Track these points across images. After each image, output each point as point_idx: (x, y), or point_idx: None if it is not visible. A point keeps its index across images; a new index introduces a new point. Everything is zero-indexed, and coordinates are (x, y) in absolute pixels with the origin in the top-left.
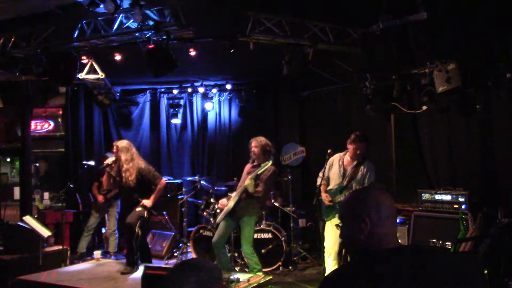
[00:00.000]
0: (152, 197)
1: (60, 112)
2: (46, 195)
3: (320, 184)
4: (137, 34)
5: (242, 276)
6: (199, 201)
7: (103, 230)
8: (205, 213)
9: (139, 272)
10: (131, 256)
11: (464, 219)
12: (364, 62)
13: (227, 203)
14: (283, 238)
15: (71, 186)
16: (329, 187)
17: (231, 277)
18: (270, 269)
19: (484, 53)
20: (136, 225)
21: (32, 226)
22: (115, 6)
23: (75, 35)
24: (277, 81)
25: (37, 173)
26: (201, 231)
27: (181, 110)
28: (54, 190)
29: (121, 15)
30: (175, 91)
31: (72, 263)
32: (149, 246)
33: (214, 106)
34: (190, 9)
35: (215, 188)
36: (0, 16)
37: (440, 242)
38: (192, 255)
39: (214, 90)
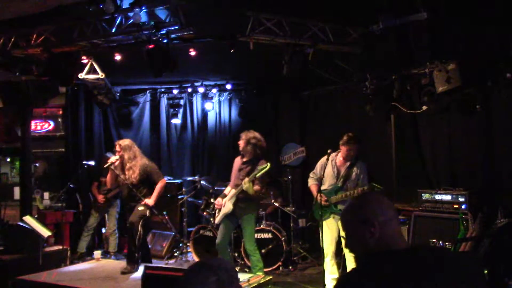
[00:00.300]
0: (154, 196)
1: (60, 112)
2: (46, 195)
3: (317, 186)
4: (137, 34)
5: (242, 276)
6: (199, 201)
7: (103, 230)
8: (205, 213)
9: (139, 272)
10: (132, 255)
11: (464, 219)
12: (364, 62)
13: (223, 202)
14: (283, 238)
15: (71, 186)
16: (323, 188)
17: None
18: (270, 269)
19: (484, 53)
20: (139, 224)
21: (32, 226)
22: (115, 6)
23: (75, 35)
24: (277, 81)
25: (36, 173)
26: (201, 231)
27: (181, 110)
28: (54, 190)
29: (121, 15)
30: (175, 91)
31: (72, 263)
32: (149, 246)
33: (214, 106)
34: (190, 9)
35: (215, 188)
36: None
37: (440, 242)
38: (192, 255)
39: (214, 90)
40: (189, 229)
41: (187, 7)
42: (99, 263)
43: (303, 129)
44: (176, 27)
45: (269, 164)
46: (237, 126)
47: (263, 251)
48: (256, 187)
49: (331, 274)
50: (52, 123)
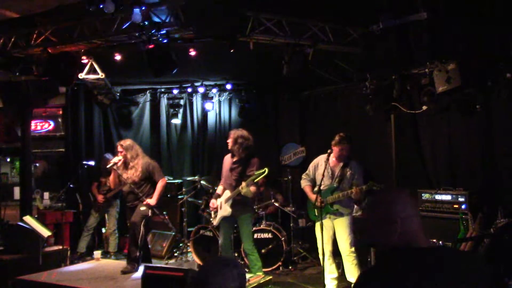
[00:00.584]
0: (155, 196)
1: (60, 112)
2: (46, 195)
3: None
4: (137, 34)
5: None
6: (199, 201)
7: (103, 230)
8: (205, 213)
9: (139, 272)
10: (133, 255)
11: (464, 219)
12: (364, 62)
13: (219, 204)
14: (283, 238)
15: (71, 186)
16: (317, 189)
17: None
18: (270, 269)
19: (484, 53)
20: (141, 224)
21: (32, 226)
22: (115, 6)
23: (75, 35)
24: (277, 81)
25: (36, 173)
26: (201, 231)
27: (181, 110)
28: (54, 190)
29: (121, 15)
30: (175, 91)
31: (72, 263)
32: (149, 246)
33: (214, 106)
34: (190, 9)
35: (215, 188)
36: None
37: (440, 242)
38: (192, 255)
39: (214, 90)
40: (189, 229)
41: (187, 7)
42: (99, 263)
43: (303, 129)
44: (176, 27)
45: (266, 169)
46: (237, 126)
47: (263, 251)
48: (253, 188)
49: (330, 273)
50: (52, 123)
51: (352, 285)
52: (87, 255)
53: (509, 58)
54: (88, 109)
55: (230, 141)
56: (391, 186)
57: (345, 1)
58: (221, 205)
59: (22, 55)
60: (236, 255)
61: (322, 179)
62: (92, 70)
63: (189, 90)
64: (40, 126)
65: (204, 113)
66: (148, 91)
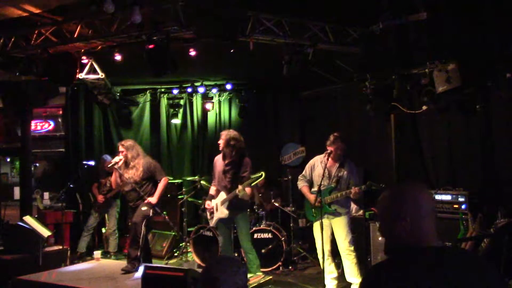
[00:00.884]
0: (156, 194)
1: (60, 112)
2: (46, 195)
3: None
4: (137, 34)
5: None
6: (199, 201)
7: (103, 230)
8: (205, 213)
9: (139, 272)
10: (133, 254)
11: (464, 219)
12: (364, 62)
13: (215, 205)
14: (283, 238)
15: (71, 186)
16: (314, 189)
17: None
18: (270, 269)
19: (484, 53)
20: (142, 224)
21: (32, 226)
22: (115, 6)
23: (75, 35)
24: (277, 81)
25: (36, 173)
26: (201, 231)
27: (181, 110)
28: (54, 190)
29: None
30: (175, 91)
31: (72, 263)
32: (149, 246)
33: (214, 106)
34: (190, 9)
35: None
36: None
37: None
38: (192, 255)
39: (214, 90)
40: (189, 229)
41: (187, 7)
42: (99, 263)
43: (303, 129)
44: (176, 27)
45: (263, 174)
46: (237, 126)
47: (263, 251)
48: (249, 190)
49: (329, 273)
50: (52, 123)
51: (362, 277)
52: (87, 255)
53: (509, 58)
54: (88, 109)
55: (221, 143)
56: (401, 183)
57: (345, 1)
58: (217, 207)
59: (22, 55)
60: (236, 255)
61: (322, 179)
62: (92, 70)
63: (189, 90)
64: (40, 126)
65: (204, 113)
66: (148, 91)
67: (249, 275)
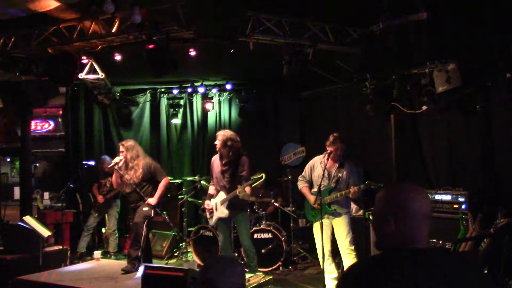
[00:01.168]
0: (157, 195)
1: (60, 112)
2: (46, 195)
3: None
4: (137, 34)
5: None
6: (199, 201)
7: (103, 230)
8: (205, 213)
9: (139, 272)
10: (134, 254)
11: (464, 219)
12: (364, 62)
13: (214, 205)
14: (283, 238)
15: (71, 186)
16: (314, 189)
17: None
18: (270, 269)
19: (484, 53)
20: (143, 224)
21: (32, 226)
22: (115, 6)
23: (75, 35)
24: (277, 81)
25: (36, 173)
26: (201, 231)
27: (181, 110)
28: (54, 190)
29: (121, 15)
30: (175, 91)
31: (72, 263)
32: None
33: (214, 106)
34: (190, 9)
35: None
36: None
37: (440, 242)
38: (192, 255)
39: (214, 90)
40: (189, 229)
41: (187, 7)
42: (99, 263)
43: (303, 129)
44: (176, 27)
45: (263, 175)
46: (237, 126)
47: (263, 251)
48: (248, 189)
49: (330, 273)
50: (52, 123)
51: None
52: (87, 255)
53: (509, 58)
54: (88, 109)
55: (218, 144)
56: (398, 183)
57: (345, 1)
58: (216, 207)
59: (22, 55)
60: (236, 255)
61: (322, 179)
62: (92, 70)
63: (189, 90)
64: (40, 126)
65: (204, 113)
66: (148, 91)
67: (249, 275)
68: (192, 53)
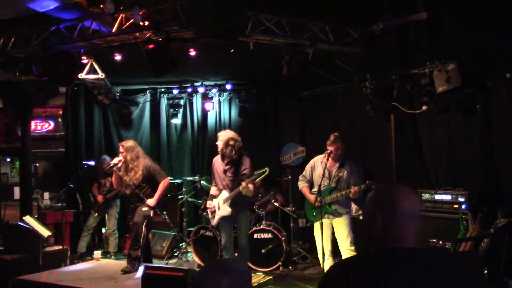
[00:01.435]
0: (156, 196)
1: (60, 112)
2: (46, 195)
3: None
4: (137, 34)
5: None
6: (199, 201)
7: (103, 230)
8: (205, 213)
9: (139, 272)
10: (134, 254)
11: (464, 219)
12: (364, 62)
13: (217, 204)
14: (283, 238)
15: (71, 186)
16: (315, 189)
17: None
18: (270, 269)
19: (484, 53)
20: (143, 224)
21: (32, 226)
22: (115, 6)
23: (75, 35)
24: (277, 81)
25: (37, 173)
26: (201, 231)
27: (181, 110)
28: (54, 190)
29: (121, 15)
30: (175, 91)
31: (72, 263)
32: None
33: (214, 106)
34: (190, 9)
35: None
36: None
37: (440, 242)
38: (192, 255)
39: (214, 90)
40: (189, 229)
41: (187, 7)
42: (99, 263)
43: (303, 129)
44: (176, 27)
45: (267, 169)
46: (237, 126)
47: (263, 251)
48: (251, 187)
49: None
50: (52, 123)
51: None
52: (87, 255)
53: (509, 58)
54: (88, 109)
55: (221, 144)
56: (387, 183)
57: (345, 1)
58: (218, 206)
59: (22, 55)
60: (236, 255)
61: (322, 179)
62: (92, 70)
63: (189, 90)
64: (40, 126)
65: (204, 113)
66: (148, 91)
67: None
68: (192, 53)
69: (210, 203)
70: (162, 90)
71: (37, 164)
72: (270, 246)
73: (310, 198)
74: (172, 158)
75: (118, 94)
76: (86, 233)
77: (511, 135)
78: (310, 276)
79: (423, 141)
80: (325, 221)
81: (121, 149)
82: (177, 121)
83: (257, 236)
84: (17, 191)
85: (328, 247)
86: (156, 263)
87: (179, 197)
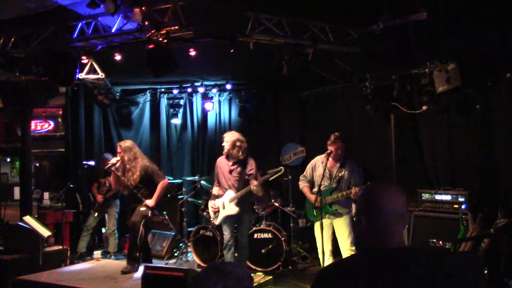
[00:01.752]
0: (154, 197)
1: (60, 112)
2: (46, 195)
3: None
4: (137, 34)
5: None
6: (199, 201)
7: (103, 230)
8: (205, 213)
9: (139, 272)
10: (133, 255)
11: (464, 219)
12: (364, 62)
13: (221, 203)
14: (283, 238)
15: (71, 186)
16: (315, 189)
17: None
18: (270, 269)
19: (484, 53)
20: (141, 224)
21: (32, 226)
22: (115, 6)
23: (75, 35)
24: (277, 81)
25: (37, 173)
26: (201, 231)
27: (181, 110)
28: (54, 190)
29: (121, 15)
30: (175, 91)
31: (72, 263)
32: (149, 246)
33: (214, 106)
34: (190, 9)
35: None
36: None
37: (440, 242)
38: (192, 255)
39: (214, 90)
40: (189, 229)
41: (187, 7)
42: (99, 263)
43: (303, 129)
44: (176, 27)
45: (282, 168)
46: (237, 126)
47: (263, 251)
48: (260, 186)
49: None
50: (52, 123)
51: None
52: (87, 255)
53: (509, 58)
54: (88, 109)
55: (227, 145)
56: (374, 183)
57: (345, 1)
58: (223, 205)
59: (22, 55)
60: (236, 255)
61: (322, 179)
62: (92, 70)
63: (189, 90)
64: (40, 126)
65: (204, 113)
66: (148, 91)
67: None
68: (192, 53)
69: (214, 203)
70: (162, 90)
71: (37, 164)
72: (270, 246)
73: (311, 198)
74: (172, 158)
75: (118, 94)
76: (85, 233)
77: (511, 135)
78: (310, 276)
79: (423, 141)
80: (326, 221)
81: (118, 149)
82: (177, 121)
83: (257, 236)
84: (17, 191)
85: (328, 247)
86: (156, 263)
87: (179, 197)
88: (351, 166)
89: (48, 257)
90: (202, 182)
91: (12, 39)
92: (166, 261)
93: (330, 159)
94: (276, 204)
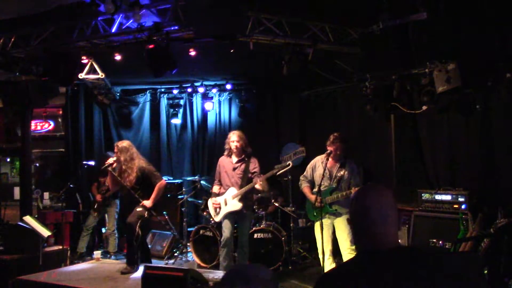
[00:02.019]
0: (152, 198)
1: (60, 112)
2: (46, 195)
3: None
4: (137, 34)
5: None
6: (199, 201)
7: (103, 230)
8: (205, 213)
9: (139, 272)
10: (131, 255)
11: (464, 219)
12: (364, 62)
13: (224, 200)
14: (283, 238)
15: (71, 186)
16: (315, 190)
17: None
18: (270, 269)
19: (484, 53)
20: (137, 224)
21: (32, 226)
22: (115, 6)
23: (75, 35)
24: (277, 81)
25: (37, 173)
26: (201, 231)
27: (181, 110)
28: (54, 190)
29: (121, 15)
30: (175, 91)
31: (72, 263)
32: (149, 246)
33: (214, 106)
34: (190, 9)
35: None
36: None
37: (440, 242)
38: (192, 255)
39: (214, 90)
40: (189, 229)
41: (187, 7)
42: (99, 263)
43: (303, 129)
44: (176, 27)
45: (291, 163)
46: (237, 126)
47: (263, 251)
48: (265, 182)
49: None
50: (52, 123)
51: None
52: (87, 255)
53: (509, 58)
54: (88, 109)
55: (241, 142)
56: (392, 186)
57: (345, 1)
58: (225, 202)
59: (22, 55)
60: (235, 255)
61: (322, 179)
62: (92, 70)
63: (189, 90)
64: (40, 126)
65: (204, 113)
66: (148, 91)
67: None
68: (192, 53)
69: (215, 200)
70: (162, 90)
71: (38, 164)
72: (270, 246)
73: (311, 198)
74: (172, 158)
75: (118, 94)
76: (85, 233)
77: (511, 135)
78: (310, 276)
79: (423, 141)
80: (326, 221)
81: (115, 150)
82: (177, 121)
83: (257, 236)
84: (17, 191)
85: (328, 247)
86: (156, 263)
87: (179, 197)
88: (351, 166)
89: (48, 257)
90: (202, 182)
91: (12, 39)
92: (166, 261)
93: (330, 159)
94: (276, 204)
